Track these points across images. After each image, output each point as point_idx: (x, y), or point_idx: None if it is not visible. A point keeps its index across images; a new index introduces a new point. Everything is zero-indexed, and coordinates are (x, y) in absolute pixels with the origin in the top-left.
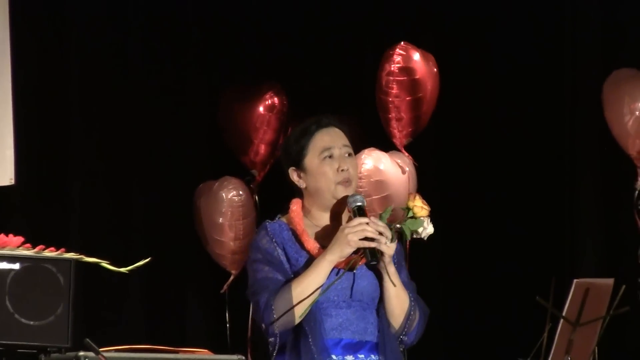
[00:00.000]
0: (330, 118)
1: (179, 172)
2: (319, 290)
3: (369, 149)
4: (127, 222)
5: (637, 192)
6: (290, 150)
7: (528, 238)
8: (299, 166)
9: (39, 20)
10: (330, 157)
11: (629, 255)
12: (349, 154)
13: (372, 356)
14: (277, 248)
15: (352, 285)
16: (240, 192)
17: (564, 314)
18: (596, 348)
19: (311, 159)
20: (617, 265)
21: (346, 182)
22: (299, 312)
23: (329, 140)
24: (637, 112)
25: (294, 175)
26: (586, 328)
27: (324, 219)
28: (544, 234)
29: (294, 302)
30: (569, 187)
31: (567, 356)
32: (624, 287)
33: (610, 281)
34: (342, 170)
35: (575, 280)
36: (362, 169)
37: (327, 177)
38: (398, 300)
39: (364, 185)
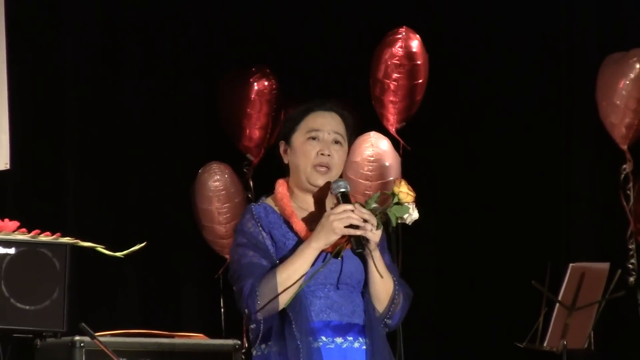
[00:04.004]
0: (335, 103)
1: (176, 158)
2: (303, 278)
3: (374, 132)
4: (123, 206)
5: (622, 175)
6: (285, 124)
7: (524, 222)
8: (287, 141)
9: (35, 5)
10: (315, 139)
11: (623, 240)
12: (337, 142)
13: (360, 339)
14: (262, 232)
15: (341, 269)
16: (225, 177)
17: (559, 298)
18: (592, 332)
19: (297, 136)
20: (613, 249)
21: (323, 167)
22: (284, 299)
23: (320, 123)
24: (618, 100)
25: (281, 148)
26: (582, 312)
27: (307, 200)
28: (540, 218)
29: (279, 289)
30: (565, 170)
31: (562, 340)
32: (619, 271)
33: (605, 265)
34: (322, 154)
35: (571, 265)
36: (374, 152)
37: (306, 157)
38: (383, 284)
39: (373, 169)
